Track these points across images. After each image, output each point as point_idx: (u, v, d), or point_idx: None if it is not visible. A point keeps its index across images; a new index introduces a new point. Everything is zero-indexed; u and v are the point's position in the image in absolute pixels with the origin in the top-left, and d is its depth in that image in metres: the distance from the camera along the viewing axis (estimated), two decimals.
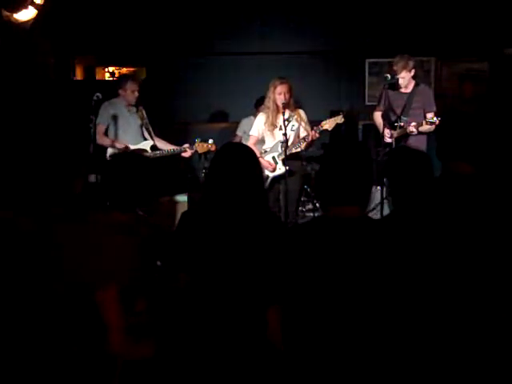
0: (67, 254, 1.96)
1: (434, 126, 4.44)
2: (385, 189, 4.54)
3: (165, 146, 4.76)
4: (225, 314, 2.00)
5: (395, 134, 4.56)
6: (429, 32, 6.30)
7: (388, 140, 4.60)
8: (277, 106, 4.36)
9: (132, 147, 4.63)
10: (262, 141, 4.60)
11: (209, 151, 4.71)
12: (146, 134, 4.76)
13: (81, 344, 1.92)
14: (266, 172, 4.41)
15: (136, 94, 4.67)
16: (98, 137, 4.48)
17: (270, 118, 4.43)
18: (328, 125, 4.24)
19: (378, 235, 1.92)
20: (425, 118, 4.42)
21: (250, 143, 4.53)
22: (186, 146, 4.68)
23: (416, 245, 1.98)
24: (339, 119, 4.22)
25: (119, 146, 4.58)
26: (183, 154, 4.71)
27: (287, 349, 1.93)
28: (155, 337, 2.03)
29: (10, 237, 2.04)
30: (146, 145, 4.71)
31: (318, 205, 6.04)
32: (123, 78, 4.92)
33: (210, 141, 4.67)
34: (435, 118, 4.27)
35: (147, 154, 4.63)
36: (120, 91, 4.70)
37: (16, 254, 1.99)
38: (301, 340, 1.89)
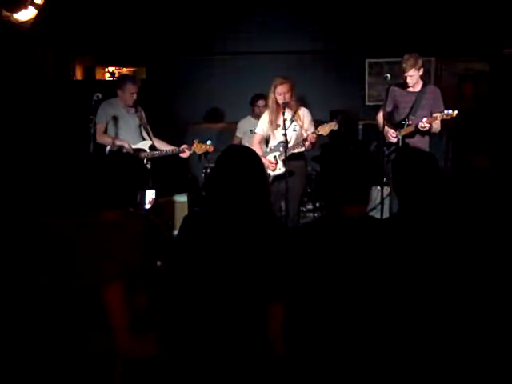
0: (68, 254, 1.96)
1: (439, 127, 4.45)
2: (385, 189, 4.56)
3: (163, 147, 4.76)
4: (224, 313, 2.00)
5: (402, 132, 4.55)
6: (429, 32, 6.29)
7: (394, 140, 4.59)
8: (277, 106, 4.36)
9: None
10: (267, 139, 4.63)
11: (207, 152, 4.72)
12: (145, 135, 4.77)
13: (83, 343, 1.92)
14: (268, 171, 4.42)
15: (134, 96, 4.67)
16: (97, 136, 4.48)
17: (271, 117, 4.44)
18: (323, 130, 4.26)
19: (385, 234, 1.92)
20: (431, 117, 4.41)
21: (255, 141, 4.60)
22: (185, 146, 4.69)
23: (423, 244, 1.98)
24: (333, 126, 4.24)
25: (120, 143, 4.58)
26: (181, 155, 4.71)
27: (288, 347, 1.92)
28: (156, 334, 2.04)
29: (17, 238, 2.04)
30: (145, 145, 4.71)
31: (318, 205, 6.05)
32: (123, 79, 4.91)
33: (208, 142, 4.68)
34: (451, 111, 4.24)
35: (145, 154, 4.64)
36: (118, 91, 4.70)
37: (19, 254, 2.00)
38: (304, 339, 1.89)
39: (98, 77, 6.80)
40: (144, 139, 4.77)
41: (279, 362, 1.93)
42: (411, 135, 4.54)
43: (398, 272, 1.85)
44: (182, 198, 5.39)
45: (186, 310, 2.05)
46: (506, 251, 2.07)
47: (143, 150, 4.67)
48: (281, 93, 4.30)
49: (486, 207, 2.16)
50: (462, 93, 5.76)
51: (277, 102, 4.34)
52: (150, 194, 4.51)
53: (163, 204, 5.06)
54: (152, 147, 4.71)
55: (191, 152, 4.69)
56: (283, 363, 1.92)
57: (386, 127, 4.58)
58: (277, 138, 4.45)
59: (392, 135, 4.58)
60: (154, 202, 4.55)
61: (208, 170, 5.79)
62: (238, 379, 1.97)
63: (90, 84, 6.14)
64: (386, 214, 4.50)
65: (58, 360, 1.91)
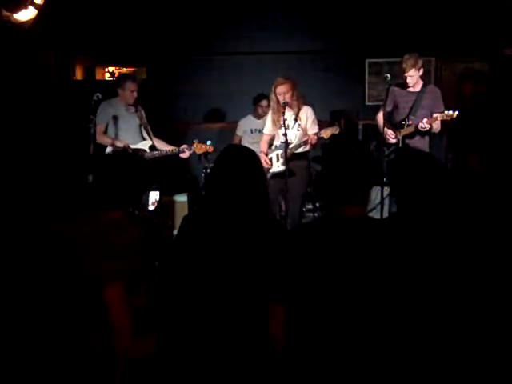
0: (68, 254, 1.96)
1: (439, 127, 4.46)
2: (385, 189, 4.56)
3: (163, 147, 4.77)
4: (223, 313, 2.00)
5: (402, 132, 4.56)
6: (429, 32, 6.30)
7: (392, 140, 4.59)
8: (279, 106, 4.37)
9: (131, 147, 4.64)
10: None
11: (207, 152, 4.73)
12: (145, 134, 4.77)
13: (83, 343, 1.92)
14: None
15: (135, 94, 4.67)
16: (97, 136, 4.48)
17: (274, 117, 4.47)
18: (325, 134, 4.29)
19: (384, 235, 1.92)
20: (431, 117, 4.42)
21: (263, 140, 4.68)
22: (185, 146, 4.70)
23: (423, 245, 1.98)
24: (335, 130, 4.27)
25: (119, 144, 4.58)
26: (181, 155, 4.72)
27: (289, 347, 1.92)
28: (155, 333, 2.04)
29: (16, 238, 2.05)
30: (145, 145, 4.72)
31: (318, 205, 6.05)
32: (122, 78, 4.91)
33: (208, 142, 4.69)
34: (451, 112, 4.27)
35: (146, 154, 4.64)
36: (119, 90, 4.70)
37: (19, 255, 2.00)
38: (305, 339, 1.89)
39: (98, 77, 6.81)
40: (144, 139, 4.77)
41: (280, 361, 1.93)
42: (411, 135, 4.54)
43: (396, 272, 1.85)
44: (182, 198, 5.39)
45: (186, 310, 2.05)
46: (505, 252, 2.07)
47: (143, 150, 4.67)
48: (281, 93, 4.31)
49: (485, 207, 2.16)
50: (462, 93, 5.75)
51: (278, 102, 4.35)
52: (154, 196, 4.52)
53: (163, 204, 5.07)
54: (152, 147, 4.71)
55: (191, 152, 4.70)
56: (284, 363, 1.92)
57: (385, 128, 4.58)
58: (281, 137, 4.46)
59: (391, 136, 4.59)
60: (158, 204, 4.56)
61: (208, 170, 5.80)
62: (239, 379, 1.97)
63: (90, 84, 6.14)
64: (386, 214, 4.49)
65: (58, 360, 1.91)
